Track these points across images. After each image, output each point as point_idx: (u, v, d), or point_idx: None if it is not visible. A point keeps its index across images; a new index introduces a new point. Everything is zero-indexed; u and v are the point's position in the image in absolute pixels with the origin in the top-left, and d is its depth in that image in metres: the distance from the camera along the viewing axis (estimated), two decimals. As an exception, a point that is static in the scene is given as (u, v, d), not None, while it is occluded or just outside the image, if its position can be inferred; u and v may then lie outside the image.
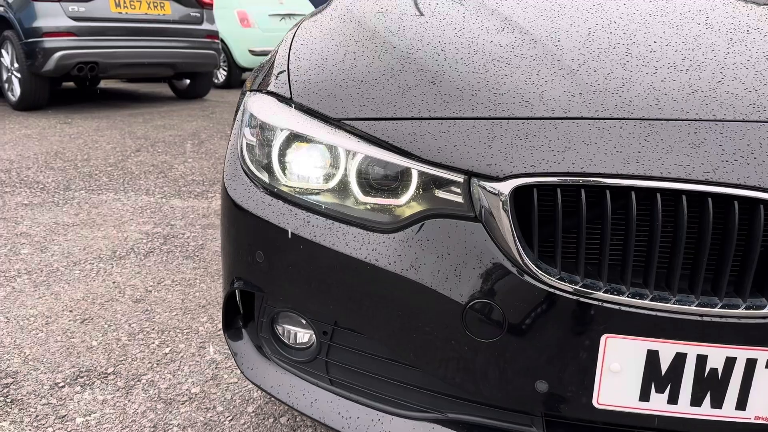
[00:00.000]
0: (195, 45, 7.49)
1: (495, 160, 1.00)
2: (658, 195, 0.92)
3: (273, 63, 1.41)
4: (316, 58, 1.30)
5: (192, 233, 3.13)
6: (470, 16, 1.41)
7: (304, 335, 1.28)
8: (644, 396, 0.98)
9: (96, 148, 5.07)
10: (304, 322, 1.24)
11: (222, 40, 9.31)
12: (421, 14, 1.46)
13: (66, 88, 9.13)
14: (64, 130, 5.75)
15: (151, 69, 7.26)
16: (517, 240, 0.97)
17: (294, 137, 1.19)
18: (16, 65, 6.65)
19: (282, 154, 1.20)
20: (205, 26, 7.64)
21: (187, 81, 8.32)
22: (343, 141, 1.12)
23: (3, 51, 6.89)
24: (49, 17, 6.41)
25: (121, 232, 3.13)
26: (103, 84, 9.89)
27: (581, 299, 0.96)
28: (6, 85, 6.96)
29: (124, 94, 8.80)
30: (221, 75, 10.08)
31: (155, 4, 7.08)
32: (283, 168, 1.20)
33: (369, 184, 1.12)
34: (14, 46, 6.58)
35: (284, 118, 1.21)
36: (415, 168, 1.06)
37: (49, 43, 6.39)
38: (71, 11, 6.49)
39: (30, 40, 6.40)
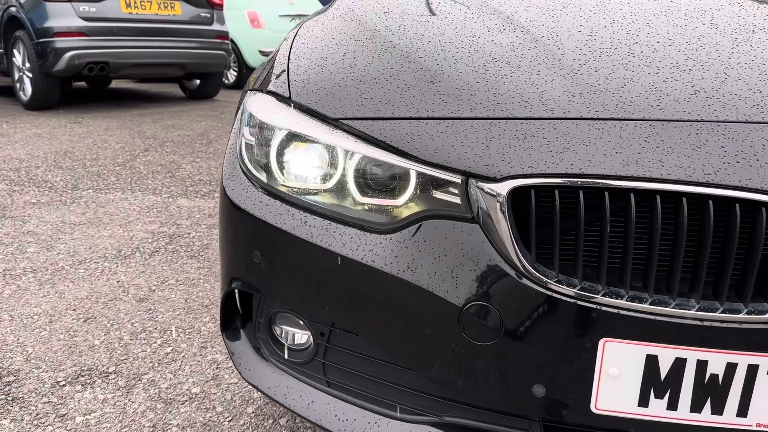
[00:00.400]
0: (205, 45, 7.52)
1: (493, 160, 0.98)
2: (658, 197, 0.91)
3: (274, 62, 1.40)
4: (316, 58, 1.30)
5: (197, 233, 3.13)
6: (472, 15, 1.40)
7: (301, 336, 1.27)
8: (643, 401, 0.96)
9: (105, 147, 5.09)
10: (301, 323, 1.23)
11: (232, 41, 9.34)
12: (422, 14, 1.45)
13: (77, 87, 9.18)
14: (74, 130, 5.78)
15: (161, 69, 7.29)
16: (514, 242, 0.96)
17: (292, 137, 1.18)
18: (27, 65, 6.70)
19: (280, 154, 1.19)
20: (215, 27, 7.66)
21: (197, 81, 8.35)
22: (341, 141, 1.12)
23: (15, 51, 6.94)
24: (61, 17, 6.46)
25: (127, 231, 3.14)
26: (114, 84, 9.94)
27: (579, 302, 0.94)
28: (18, 85, 7.02)
29: (134, 94, 8.84)
30: (231, 75, 10.11)
31: (165, 5, 7.11)
32: (282, 168, 1.19)
33: (367, 185, 1.11)
34: (26, 46, 6.63)
35: (283, 118, 1.20)
36: (413, 168, 1.05)
37: (60, 43, 6.43)
38: (82, 11, 6.53)
39: (41, 40, 6.44)
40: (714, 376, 0.93)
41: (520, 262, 0.96)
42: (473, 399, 1.06)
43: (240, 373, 1.32)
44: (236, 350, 1.35)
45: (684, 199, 0.90)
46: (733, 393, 0.94)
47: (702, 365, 0.93)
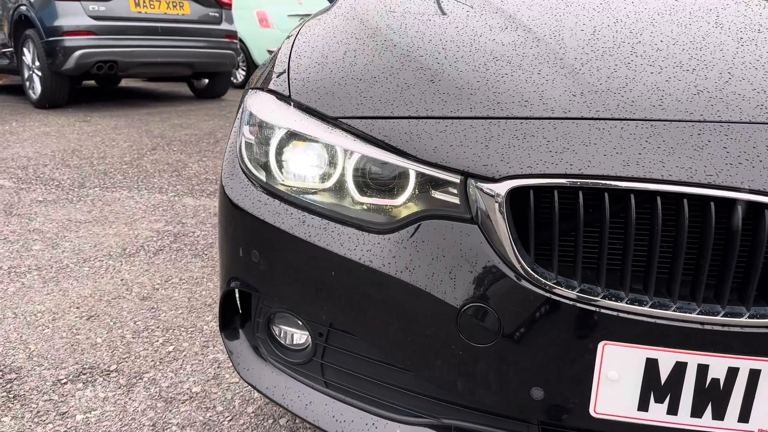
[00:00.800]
0: (213, 45, 7.53)
1: (491, 160, 0.97)
2: (659, 198, 0.89)
3: (275, 61, 1.39)
4: (317, 56, 1.29)
5: (202, 231, 3.13)
6: (474, 14, 1.38)
7: (300, 336, 1.26)
8: (643, 405, 0.95)
9: (113, 146, 5.11)
10: (300, 323, 1.22)
11: (241, 40, 9.35)
12: (424, 12, 1.44)
13: (86, 86, 9.22)
14: (83, 128, 5.80)
15: (169, 68, 7.31)
16: (513, 243, 0.95)
17: (292, 136, 1.17)
18: (37, 63, 6.74)
19: (279, 153, 1.18)
20: (224, 26, 7.67)
21: (206, 81, 8.37)
22: (340, 140, 1.11)
23: (25, 50, 6.98)
24: (70, 16, 6.49)
25: (132, 229, 3.14)
26: (124, 83, 9.98)
27: (578, 305, 0.93)
28: (27, 83, 7.05)
29: (143, 93, 8.87)
30: (240, 75, 10.12)
31: (174, 4, 7.13)
32: (281, 167, 1.18)
33: (366, 184, 1.10)
34: (36, 44, 6.66)
35: (282, 116, 1.19)
36: (412, 168, 1.04)
37: (69, 41, 6.46)
38: (91, 10, 6.56)
39: (51, 38, 6.47)
40: (715, 381, 0.92)
41: (519, 263, 0.95)
42: (471, 401, 1.05)
43: (238, 373, 1.32)
44: (235, 350, 1.35)
45: (685, 201, 0.88)
46: (734, 398, 0.92)
47: (703, 369, 0.92)
